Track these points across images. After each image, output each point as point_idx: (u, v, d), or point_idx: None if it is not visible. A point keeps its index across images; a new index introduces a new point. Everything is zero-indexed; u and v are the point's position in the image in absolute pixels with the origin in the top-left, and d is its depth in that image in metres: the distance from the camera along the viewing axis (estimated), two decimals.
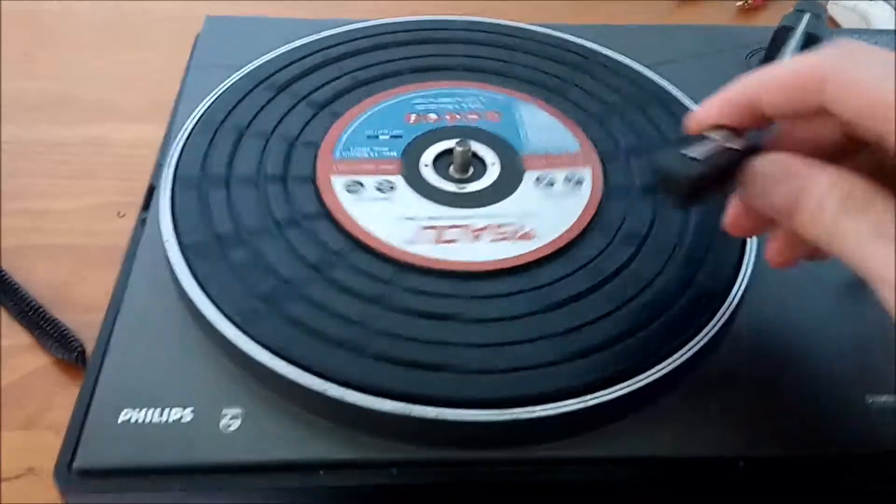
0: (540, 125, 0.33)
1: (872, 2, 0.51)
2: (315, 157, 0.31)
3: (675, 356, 0.25)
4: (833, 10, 0.55)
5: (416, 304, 0.26)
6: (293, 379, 0.23)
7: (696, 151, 0.22)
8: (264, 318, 0.25)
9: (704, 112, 0.24)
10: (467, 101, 0.35)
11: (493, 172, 0.31)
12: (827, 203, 0.21)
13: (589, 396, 0.24)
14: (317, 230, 0.28)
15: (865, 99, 0.20)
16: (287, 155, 0.31)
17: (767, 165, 0.23)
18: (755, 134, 0.24)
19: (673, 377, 0.25)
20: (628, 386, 0.24)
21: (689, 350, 0.25)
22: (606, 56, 0.38)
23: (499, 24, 0.39)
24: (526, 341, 0.25)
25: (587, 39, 0.39)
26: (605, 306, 0.26)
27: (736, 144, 0.23)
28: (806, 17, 0.32)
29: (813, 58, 0.22)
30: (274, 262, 0.27)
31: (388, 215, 0.29)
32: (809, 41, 0.29)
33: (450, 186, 0.30)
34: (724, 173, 0.23)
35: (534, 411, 0.23)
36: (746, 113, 0.23)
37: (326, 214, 0.29)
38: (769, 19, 0.56)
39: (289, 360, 0.24)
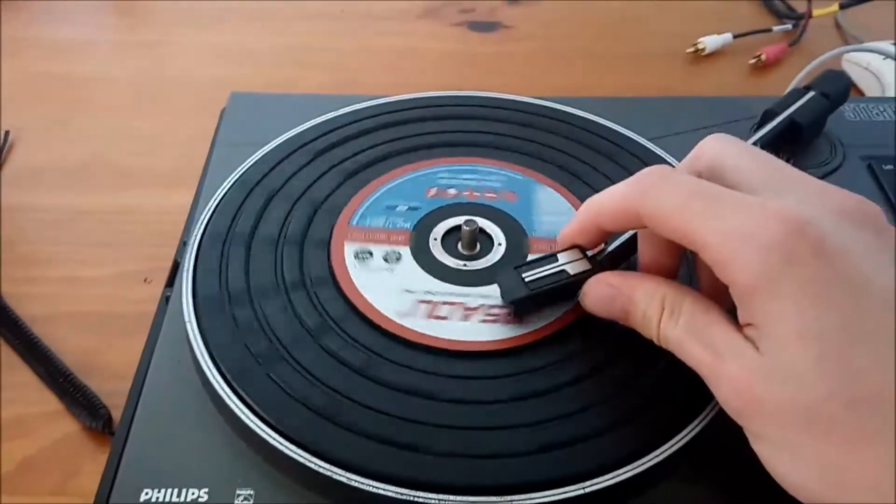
0: (552, 209, 0.34)
1: (885, 61, 0.51)
2: (333, 224, 0.33)
3: (673, 440, 0.25)
4: (846, 67, 0.55)
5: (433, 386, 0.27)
6: (300, 461, 0.25)
7: (534, 275, 0.27)
8: (279, 402, 0.26)
9: (563, 234, 0.28)
10: (489, 178, 0.35)
11: (498, 253, 0.32)
12: (648, 313, 0.24)
13: (588, 483, 0.24)
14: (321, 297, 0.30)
15: (676, 233, 0.23)
16: (300, 255, 0.32)
17: (596, 286, 0.26)
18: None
19: (672, 461, 0.25)
20: (626, 472, 0.25)
21: (688, 434, 0.26)
22: (621, 134, 0.38)
23: (514, 101, 0.40)
24: (512, 427, 0.26)
25: (608, 119, 0.39)
26: (600, 393, 0.27)
27: (576, 266, 0.27)
28: (807, 96, 0.32)
29: (626, 193, 0.24)
30: (307, 365, 0.28)
31: (389, 286, 0.30)
32: (792, 128, 0.29)
33: (454, 262, 0.31)
34: (561, 290, 0.27)
35: (533, 498, 0.24)
36: (593, 233, 0.27)
37: (332, 281, 0.30)
38: (784, 75, 0.57)
39: (298, 443, 0.25)
